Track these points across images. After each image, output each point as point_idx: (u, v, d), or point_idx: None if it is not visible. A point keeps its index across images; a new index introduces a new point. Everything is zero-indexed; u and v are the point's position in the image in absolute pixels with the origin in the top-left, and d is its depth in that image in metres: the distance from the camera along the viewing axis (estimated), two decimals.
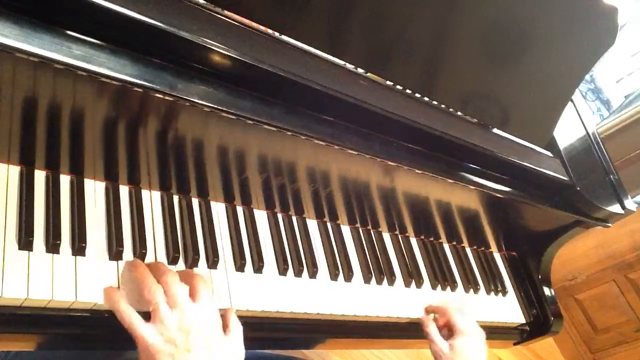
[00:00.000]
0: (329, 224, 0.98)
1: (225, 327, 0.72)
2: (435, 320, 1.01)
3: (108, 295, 0.67)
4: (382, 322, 0.98)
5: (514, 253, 1.28)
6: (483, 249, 1.23)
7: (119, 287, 0.70)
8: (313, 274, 0.90)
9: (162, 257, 0.76)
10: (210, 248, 0.81)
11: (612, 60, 2.33)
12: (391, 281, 1.00)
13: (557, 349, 2.58)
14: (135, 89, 0.61)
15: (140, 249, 0.74)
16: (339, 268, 0.94)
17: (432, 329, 0.99)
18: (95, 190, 0.75)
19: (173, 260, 0.76)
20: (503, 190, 0.99)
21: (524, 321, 1.20)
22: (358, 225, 1.02)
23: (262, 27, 0.72)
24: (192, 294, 0.69)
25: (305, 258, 0.91)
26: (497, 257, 1.25)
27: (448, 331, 1.00)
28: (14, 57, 0.54)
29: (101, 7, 0.57)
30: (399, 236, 1.08)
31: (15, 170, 0.70)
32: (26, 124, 0.64)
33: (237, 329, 0.72)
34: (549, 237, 1.19)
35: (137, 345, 0.65)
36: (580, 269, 2.43)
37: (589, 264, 2.41)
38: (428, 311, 1.03)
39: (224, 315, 0.74)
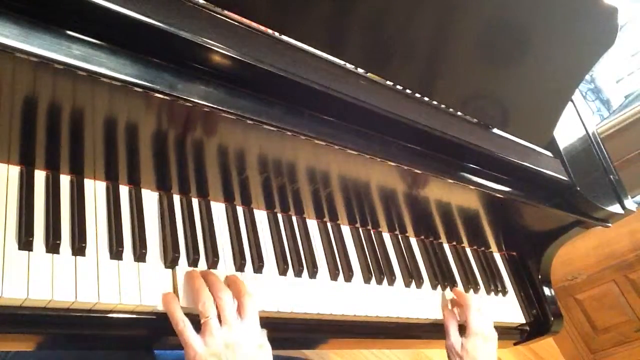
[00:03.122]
0: (329, 224, 0.98)
1: None
2: (456, 314, 1.05)
3: (166, 301, 0.73)
4: (382, 322, 0.98)
5: (514, 253, 1.27)
6: (483, 249, 1.23)
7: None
8: (313, 274, 0.90)
9: (163, 257, 0.76)
10: (210, 248, 0.81)
11: (612, 60, 2.33)
12: (391, 281, 1.00)
13: (557, 349, 2.58)
14: (135, 89, 0.61)
15: (140, 249, 0.74)
16: (339, 268, 0.94)
17: (450, 324, 1.02)
18: (95, 190, 0.75)
19: (173, 261, 0.76)
20: (503, 190, 0.99)
21: (524, 321, 1.20)
22: (358, 225, 1.02)
23: (262, 27, 0.72)
24: (240, 311, 0.75)
25: (305, 258, 0.91)
26: (497, 257, 1.25)
27: (465, 328, 1.02)
28: (14, 57, 0.54)
29: (101, 7, 0.57)
30: (399, 236, 1.08)
31: (15, 170, 0.70)
32: (26, 123, 0.64)
33: (267, 344, 0.77)
34: (549, 237, 1.19)
35: (185, 352, 0.71)
36: (580, 269, 2.43)
37: (589, 264, 2.41)
38: (452, 303, 1.06)
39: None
